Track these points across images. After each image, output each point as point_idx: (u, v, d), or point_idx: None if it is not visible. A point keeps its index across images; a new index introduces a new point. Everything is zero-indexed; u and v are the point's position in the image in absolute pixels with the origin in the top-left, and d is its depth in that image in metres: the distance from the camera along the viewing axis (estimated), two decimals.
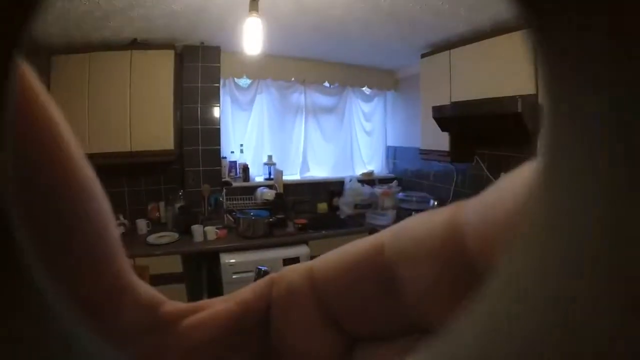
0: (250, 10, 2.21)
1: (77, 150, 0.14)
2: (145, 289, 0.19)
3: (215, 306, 0.19)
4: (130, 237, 3.12)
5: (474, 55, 2.86)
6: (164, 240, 3.03)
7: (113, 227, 0.16)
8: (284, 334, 0.18)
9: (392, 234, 0.15)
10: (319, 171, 4.28)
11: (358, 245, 0.17)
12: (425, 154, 3.52)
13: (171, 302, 0.19)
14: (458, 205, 0.14)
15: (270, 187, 3.70)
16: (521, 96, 2.40)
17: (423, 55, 3.42)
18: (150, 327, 0.18)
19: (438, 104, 3.09)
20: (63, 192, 0.13)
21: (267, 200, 3.57)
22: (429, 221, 0.14)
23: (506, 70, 2.58)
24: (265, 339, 0.19)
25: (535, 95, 2.40)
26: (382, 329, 0.17)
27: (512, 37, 2.53)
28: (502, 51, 2.60)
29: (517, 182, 0.12)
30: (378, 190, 3.97)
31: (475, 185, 3.32)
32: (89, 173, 0.15)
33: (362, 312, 0.17)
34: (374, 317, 0.16)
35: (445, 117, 3.04)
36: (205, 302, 0.19)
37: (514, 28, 2.51)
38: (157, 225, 3.34)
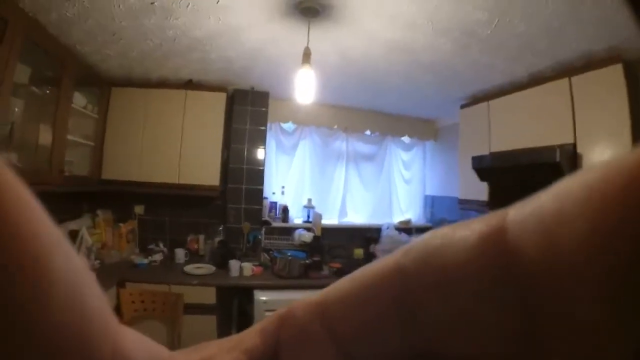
0: (303, 63, 2.37)
1: (38, 210, 0.13)
2: (145, 352, 0.18)
3: (219, 357, 0.18)
4: (167, 264, 3.26)
5: (512, 105, 2.90)
6: (200, 272, 3.11)
7: (93, 292, 0.14)
8: None
9: (416, 258, 0.14)
10: (357, 217, 4.31)
11: (375, 269, 0.16)
12: (464, 203, 3.48)
13: (175, 358, 0.18)
14: (497, 217, 0.12)
15: (308, 229, 3.76)
16: (559, 146, 2.39)
17: (462, 106, 3.49)
18: None
19: (477, 154, 3.11)
20: (26, 256, 0.12)
21: (304, 242, 3.61)
22: (458, 243, 0.13)
23: (544, 120, 2.60)
24: None
25: (574, 145, 2.39)
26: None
27: (549, 87, 2.56)
28: (540, 101, 2.63)
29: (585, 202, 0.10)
30: (415, 239, 3.93)
31: None
32: (53, 232, 0.14)
33: (376, 345, 0.16)
34: (389, 349, 0.15)
35: (484, 167, 3.03)
36: (209, 351, 0.18)
37: (549, 78, 2.55)
38: (194, 257, 3.46)
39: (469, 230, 0.13)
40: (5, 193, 0.12)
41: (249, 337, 0.18)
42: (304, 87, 2.43)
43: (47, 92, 2.51)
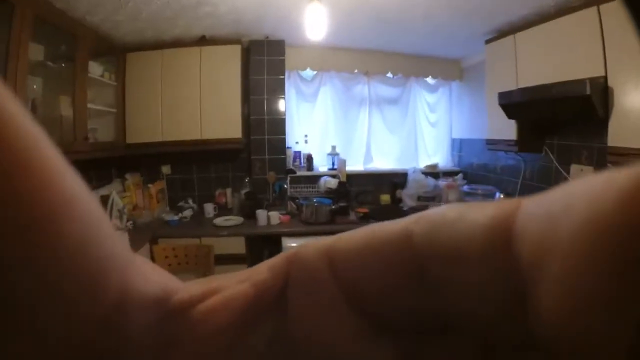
0: None
1: (55, 160, 0.13)
2: (156, 283, 0.18)
3: (229, 289, 0.18)
4: (198, 219, 3.38)
5: (539, 38, 2.71)
6: (229, 223, 3.23)
7: (106, 236, 0.15)
8: (302, 313, 0.18)
9: (427, 228, 0.14)
10: (383, 162, 4.27)
11: (385, 230, 0.16)
12: (492, 143, 3.37)
13: (186, 288, 0.19)
14: (511, 204, 0.12)
15: (333, 176, 3.77)
16: (590, 78, 2.26)
17: (487, 42, 3.29)
18: (161, 321, 0.18)
19: (504, 91, 2.97)
20: (38, 211, 0.12)
21: (330, 188, 3.63)
22: (471, 221, 0.13)
23: (573, 51, 2.43)
24: (282, 318, 0.18)
25: (604, 78, 2.26)
26: (410, 320, 0.16)
27: (577, 17, 2.38)
28: (568, 32, 2.45)
29: (590, 192, 0.10)
30: (442, 182, 3.89)
31: (544, 178, 3.14)
32: (70, 183, 0.14)
33: (386, 299, 0.16)
34: (399, 305, 0.15)
35: (512, 103, 2.89)
36: (219, 283, 0.19)
37: (578, 7, 2.37)
38: (223, 210, 3.57)
39: (482, 211, 0.13)
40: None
41: (259, 272, 0.19)
42: (315, 24, 2.37)
43: (63, 65, 2.59)
